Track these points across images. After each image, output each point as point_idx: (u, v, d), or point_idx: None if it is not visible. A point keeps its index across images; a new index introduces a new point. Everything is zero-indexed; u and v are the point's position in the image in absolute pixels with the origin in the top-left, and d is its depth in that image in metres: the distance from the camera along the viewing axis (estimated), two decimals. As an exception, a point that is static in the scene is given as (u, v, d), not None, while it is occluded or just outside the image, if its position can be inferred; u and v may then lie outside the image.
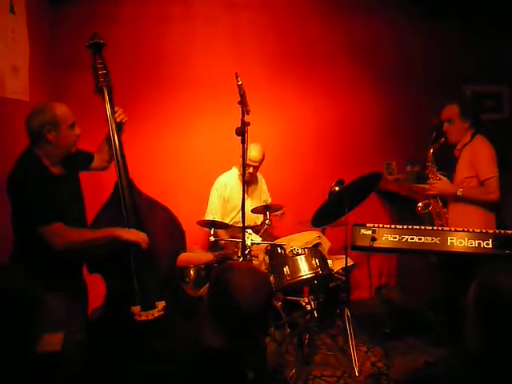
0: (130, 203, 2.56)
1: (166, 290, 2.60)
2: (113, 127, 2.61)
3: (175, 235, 2.74)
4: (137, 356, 2.41)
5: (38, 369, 1.51)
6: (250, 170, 3.81)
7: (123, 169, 2.59)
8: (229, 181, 4.00)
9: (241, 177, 3.95)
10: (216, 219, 3.71)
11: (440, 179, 3.32)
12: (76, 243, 2.34)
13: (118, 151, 2.60)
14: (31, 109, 2.44)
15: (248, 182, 3.89)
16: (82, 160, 2.70)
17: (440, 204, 3.33)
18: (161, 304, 2.55)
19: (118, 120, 2.63)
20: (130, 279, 2.50)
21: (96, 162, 2.77)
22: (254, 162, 3.81)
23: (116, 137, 2.61)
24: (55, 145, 2.39)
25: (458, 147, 3.32)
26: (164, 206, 2.74)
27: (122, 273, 2.51)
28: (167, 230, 2.71)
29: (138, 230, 2.52)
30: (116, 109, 2.65)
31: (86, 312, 2.65)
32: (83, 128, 2.54)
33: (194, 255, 3.59)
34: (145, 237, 2.48)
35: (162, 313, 2.54)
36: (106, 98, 2.61)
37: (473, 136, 3.26)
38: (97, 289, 2.65)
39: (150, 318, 2.50)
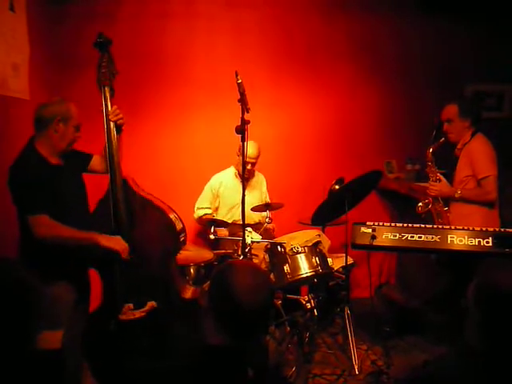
0: (122, 202, 2.55)
1: (156, 289, 2.60)
2: (108, 127, 2.58)
3: (168, 236, 2.71)
4: (128, 354, 2.42)
5: (37, 366, 1.51)
6: (249, 166, 3.90)
7: (116, 168, 2.57)
8: (224, 178, 4.10)
9: (237, 175, 4.01)
10: (203, 212, 4.01)
11: (439, 180, 3.31)
12: (57, 238, 2.35)
13: (113, 150, 2.57)
14: (41, 103, 2.50)
15: (247, 178, 3.95)
16: (80, 159, 2.70)
17: (441, 203, 3.32)
18: (150, 304, 2.55)
19: (111, 119, 2.57)
20: (120, 277, 2.51)
21: (96, 164, 2.76)
22: (252, 158, 3.90)
23: (111, 136, 2.58)
24: (59, 136, 2.46)
25: (458, 147, 3.31)
26: (159, 206, 2.70)
27: (113, 270, 2.52)
28: (160, 230, 2.69)
29: (128, 229, 2.53)
30: (112, 109, 2.57)
31: (87, 306, 2.67)
32: (82, 127, 2.56)
33: (195, 253, 3.59)
34: (126, 247, 2.47)
35: (144, 314, 2.53)
36: (107, 96, 2.58)
37: (473, 135, 3.26)
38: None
39: (131, 317, 2.51)
